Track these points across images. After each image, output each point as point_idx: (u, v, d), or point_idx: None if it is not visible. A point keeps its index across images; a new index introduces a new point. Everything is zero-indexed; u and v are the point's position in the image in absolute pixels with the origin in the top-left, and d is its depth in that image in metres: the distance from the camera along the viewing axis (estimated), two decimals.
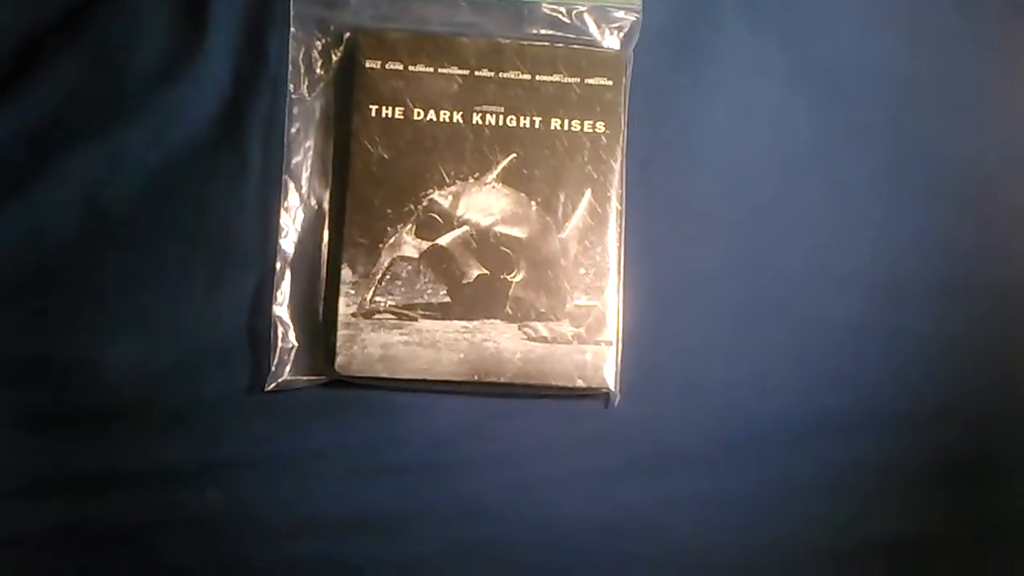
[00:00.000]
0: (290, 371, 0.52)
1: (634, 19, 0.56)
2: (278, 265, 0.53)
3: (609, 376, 0.53)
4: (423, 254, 0.52)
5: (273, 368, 0.52)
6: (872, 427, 0.55)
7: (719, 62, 0.56)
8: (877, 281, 0.56)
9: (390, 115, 0.53)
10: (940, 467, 0.55)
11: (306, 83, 0.54)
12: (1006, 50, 0.59)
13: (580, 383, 0.52)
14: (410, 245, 0.52)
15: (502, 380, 0.52)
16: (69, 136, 0.53)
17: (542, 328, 0.52)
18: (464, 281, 0.53)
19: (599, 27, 0.56)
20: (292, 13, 0.54)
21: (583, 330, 0.53)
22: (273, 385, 0.52)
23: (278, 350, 0.52)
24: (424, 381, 0.52)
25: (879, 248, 0.56)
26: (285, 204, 0.53)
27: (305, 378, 0.52)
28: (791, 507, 0.54)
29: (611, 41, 0.56)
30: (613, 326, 0.53)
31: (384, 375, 0.52)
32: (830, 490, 0.54)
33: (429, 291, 0.52)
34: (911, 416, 0.55)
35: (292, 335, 0.52)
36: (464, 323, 0.52)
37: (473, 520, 0.53)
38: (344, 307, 0.52)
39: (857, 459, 0.55)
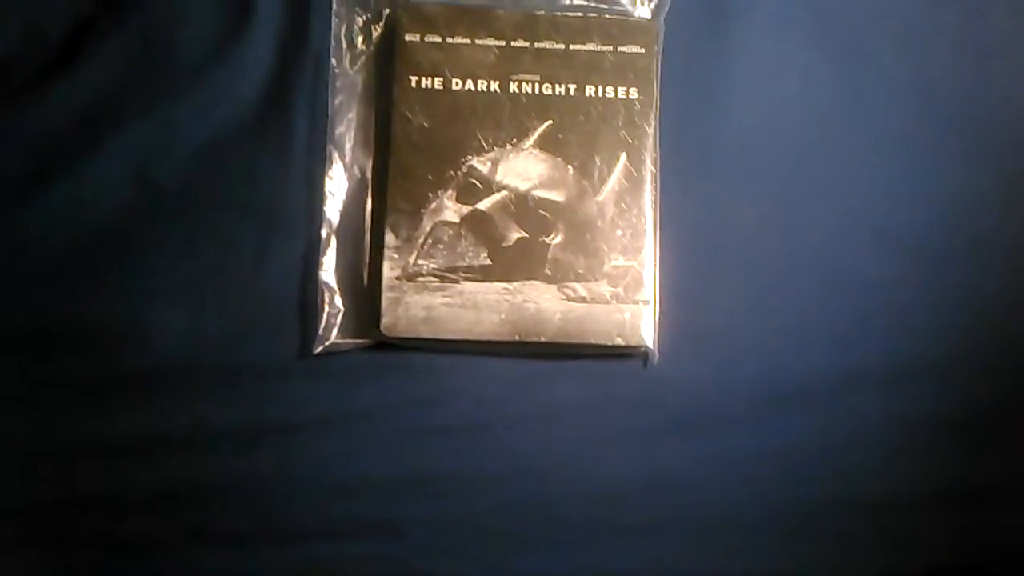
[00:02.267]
0: (337, 334, 0.54)
1: None
2: (324, 232, 0.54)
3: (647, 335, 0.54)
4: (464, 218, 0.54)
5: (320, 332, 0.53)
6: (908, 381, 0.55)
7: (747, 26, 0.58)
8: (911, 236, 0.57)
9: (430, 85, 0.55)
10: (975, 421, 0.56)
11: (348, 57, 0.56)
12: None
13: (619, 341, 0.53)
14: (451, 210, 0.54)
15: (542, 340, 0.53)
16: (120, 112, 0.55)
17: (581, 288, 0.54)
18: (504, 244, 0.54)
19: None
20: None
21: (621, 290, 0.54)
22: (320, 348, 0.53)
23: (325, 314, 0.54)
24: (466, 342, 0.53)
25: (912, 203, 0.57)
26: (330, 173, 0.55)
27: (351, 341, 0.54)
28: (827, 461, 0.55)
29: (642, 11, 0.57)
30: (650, 286, 0.54)
31: (428, 336, 0.53)
32: (866, 444, 0.55)
33: (470, 254, 0.54)
34: (947, 370, 0.56)
35: (338, 299, 0.54)
36: (504, 285, 0.53)
37: (516, 479, 0.54)
38: (388, 271, 0.53)
39: (893, 413, 0.55)
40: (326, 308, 0.54)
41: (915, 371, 0.56)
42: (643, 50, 0.56)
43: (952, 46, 0.59)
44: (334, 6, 0.56)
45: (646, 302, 0.54)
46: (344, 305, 0.54)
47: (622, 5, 0.57)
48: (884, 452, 0.55)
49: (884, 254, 0.56)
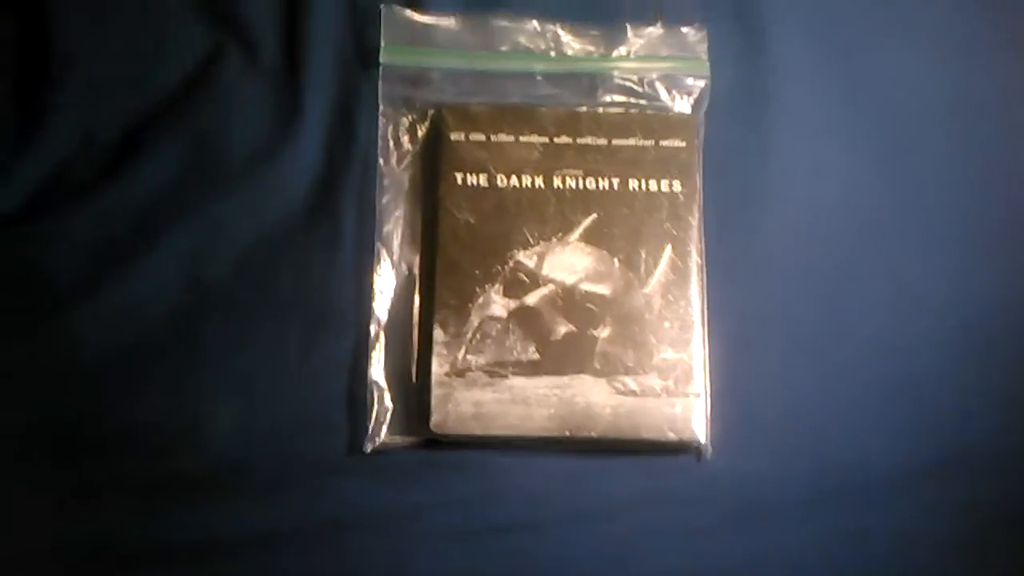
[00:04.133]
0: (387, 432, 0.53)
1: (703, 84, 0.58)
2: (372, 329, 0.54)
3: (699, 428, 0.53)
4: (511, 313, 0.54)
5: (370, 430, 0.53)
6: (968, 472, 0.55)
7: (785, 121, 0.59)
8: (964, 327, 0.56)
9: (475, 183, 0.56)
10: None
11: (395, 156, 0.57)
12: None
13: (671, 436, 0.53)
14: (498, 305, 0.54)
15: (593, 435, 0.53)
16: (171, 213, 0.56)
17: (631, 382, 0.53)
18: (552, 338, 0.54)
19: (670, 93, 0.58)
20: (380, 93, 0.57)
21: (671, 383, 0.53)
22: (371, 447, 0.53)
23: (375, 412, 0.53)
24: (517, 438, 0.53)
25: (962, 294, 0.57)
26: (378, 270, 0.55)
27: (401, 438, 0.53)
28: (891, 555, 0.53)
29: (682, 105, 0.58)
30: (700, 378, 0.54)
31: (478, 433, 0.53)
32: (931, 536, 0.54)
33: (518, 349, 0.54)
34: (1008, 461, 0.55)
35: (388, 397, 0.54)
36: (554, 379, 0.53)
37: None
38: (437, 367, 0.53)
39: (955, 503, 0.54)
40: (376, 406, 0.54)
41: (975, 462, 0.55)
42: (684, 144, 0.57)
43: (990, 139, 0.59)
44: (380, 107, 0.57)
45: (697, 395, 0.53)
46: (394, 402, 0.54)
47: (662, 100, 0.58)
48: (951, 544, 0.54)
49: (936, 345, 0.56)
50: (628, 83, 0.58)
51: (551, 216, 0.55)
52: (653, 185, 0.56)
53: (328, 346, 0.55)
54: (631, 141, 0.57)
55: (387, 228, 0.56)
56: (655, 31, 0.59)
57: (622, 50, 0.58)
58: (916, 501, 0.54)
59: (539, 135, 0.56)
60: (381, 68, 0.57)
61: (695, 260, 0.55)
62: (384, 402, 0.54)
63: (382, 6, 0.58)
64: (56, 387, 0.54)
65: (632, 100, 0.58)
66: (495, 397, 0.53)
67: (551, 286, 0.54)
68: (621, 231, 0.55)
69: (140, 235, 0.56)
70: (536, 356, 0.54)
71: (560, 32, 0.58)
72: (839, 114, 0.59)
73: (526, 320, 0.54)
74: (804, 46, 0.60)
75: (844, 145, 0.59)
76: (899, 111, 0.59)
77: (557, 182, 0.56)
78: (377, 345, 0.54)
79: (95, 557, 0.52)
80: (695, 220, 0.56)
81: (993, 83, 0.60)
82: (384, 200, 0.56)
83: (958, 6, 0.61)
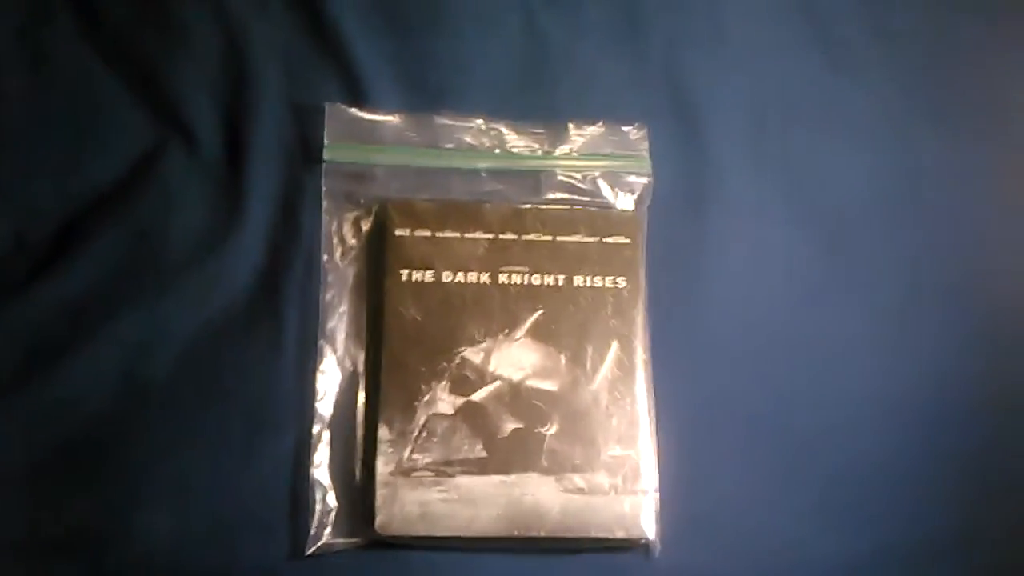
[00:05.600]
0: (330, 534, 0.52)
1: (645, 181, 0.59)
2: (315, 428, 0.53)
3: (648, 526, 0.53)
4: (458, 410, 0.53)
5: (313, 531, 0.52)
6: (925, 558, 0.55)
7: (727, 212, 0.60)
8: (913, 409, 0.57)
9: (421, 279, 0.55)
10: None
11: (339, 251, 0.56)
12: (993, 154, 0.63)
13: (620, 534, 0.52)
14: (445, 402, 0.53)
15: (542, 534, 0.52)
16: (108, 309, 0.54)
17: (579, 480, 0.53)
18: (499, 435, 0.53)
19: (613, 189, 0.59)
20: (324, 188, 0.57)
21: (619, 480, 0.53)
22: (313, 549, 0.51)
23: (317, 513, 0.52)
24: (464, 539, 0.52)
25: (909, 375, 0.58)
26: (321, 368, 0.54)
27: (345, 540, 0.52)
28: None
29: (625, 202, 0.59)
30: (649, 475, 0.53)
31: (424, 534, 0.51)
32: None
33: (465, 446, 0.53)
34: (966, 549, 0.55)
35: (331, 497, 0.52)
36: (501, 477, 0.53)
37: None
38: (382, 466, 0.52)
39: None
40: (318, 506, 0.52)
41: (932, 547, 0.55)
42: (628, 240, 0.57)
43: (930, 226, 0.61)
44: (324, 203, 0.57)
45: (645, 492, 0.53)
46: (337, 503, 0.52)
47: (604, 197, 0.59)
48: None
49: (885, 429, 0.57)
50: (571, 180, 0.59)
51: (497, 312, 0.55)
52: (598, 281, 0.56)
53: (270, 445, 0.53)
54: (576, 238, 0.57)
55: (331, 324, 0.55)
56: (596, 129, 0.60)
57: (565, 148, 0.59)
58: None
59: (484, 231, 0.57)
60: (324, 165, 0.57)
61: (641, 355, 0.55)
62: (327, 502, 0.52)
63: (326, 103, 0.58)
64: None
65: (575, 197, 0.59)
66: (442, 497, 0.52)
67: (498, 383, 0.54)
68: (567, 327, 0.55)
69: (76, 331, 0.54)
70: (483, 453, 0.53)
71: (504, 130, 0.59)
72: (779, 203, 0.61)
73: (473, 417, 0.53)
74: (743, 139, 0.62)
75: (785, 233, 0.60)
76: (837, 197, 0.61)
77: (503, 278, 0.56)
78: (320, 444, 0.53)
79: None
80: (640, 315, 0.56)
81: (929, 166, 0.63)
82: (328, 296, 0.55)
83: (891, 97, 0.64)
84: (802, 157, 0.62)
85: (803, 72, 0.64)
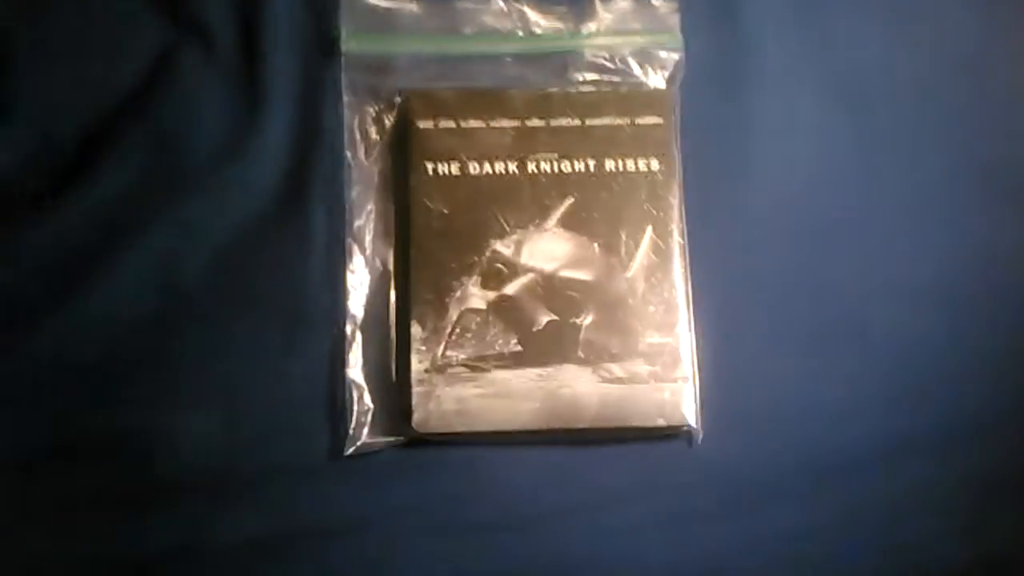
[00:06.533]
0: (368, 433, 0.52)
1: (677, 57, 0.56)
2: (348, 328, 0.53)
3: (689, 413, 0.52)
4: (491, 304, 0.52)
5: (351, 432, 0.52)
6: (962, 441, 0.53)
7: (761, 86, 0.57)
8: (948, 291, 0.55)
9: (447, 171, 0.54)
10: None
11: (363, 148, 0.55)
12: None
13: (660, 422, 0.51)
14: (477, 297, 0.52)
15: (580, 426, 0.51)
16: (136, 216, 0.54)
17: (617, 369, 0.52)
18: (534, 328, 0.52)
19: (643, 68, 0.56)
20: (344, 82, 0.55)
21: (659, 368, 0.52)
22: (352, 449, 0.52)
23: (354, 413, 0.52)
24: (502, 433, 0.51)
25: (947, 256, 0.56)
26: (351, 267, 0.53)
27: (383, 439, 0.52)
28: (885, 532, 0.52)
29: (656, 80, 0.56)
30: (689, 362, 0.52)
31: (461, 430, 0.51)
32: (924, 510, 0.53)
33: (500, 341, 0.52)
34: (1000, 428, 0.54)
35: (367, 397, 0.52)
36: (538, 370, 0.52)
37: (562, 573, 0.52)
38: (417, 364, 0.51)
39: (949, 476, 0.53)
40: (355, 407, 0.52)
41: (966, 435, 0.54)
42: (661, 120, 0.55)
43: (970, 91, 0.58)
44: (345, 98, 0.55)
45: (685, 379, 0.52)
46: (373, 402, 0.52)
47: (635, 76, 0.56)
48: (944, 516, 0.53)
49: (923, 312, 0.55)
50: (600, 60, 0.56)
51: (527, 202, 0.54)
52: (631, 165, 0.54)
53: (304, 347, 0.53)
54: (606, 120, 0.55)
55: (358, 223, 0.54)
56: (625, 5, 0.57)
57: (592, 26, 0.57)
58: (909, 476, 0.53)
59: (510, 119, 0.55)
60: (343, 57, 0.55)
61: (677, 240, 0.54)
62: (364, 402, 0.52)
63: None
64: (28, 401, 0.52)
65: (605, 78, 0.56)
66: (478, 392, 0.51)
67: (530, 275, 0.53)
68: (600, 214, 0.54)
69: (106, 242, 0.53)
70: (518, 348, 0.52)
71: (527, 10, 0.57)
72: (816, 78, 0.58)
73: (506, 311, 0.52)
74: (777, 12, 0.58)
75: (822, 109, 0.57)
76: (877, 75, 0.58)
77: (531, 167, 0.54)
78: (354, 344, 0.53)
79: (73, 570, 0.51)
80: (675, 199, 0.54)
81: (973, 47, 0.59)
82: (354, 194, 0.54)
83: None
84: (841, 30, 0.58)
85: None
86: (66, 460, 0.52)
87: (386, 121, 0.56)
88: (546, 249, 0.53)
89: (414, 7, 0.56)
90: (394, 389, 0.52)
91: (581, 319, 0.52)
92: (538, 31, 0.56)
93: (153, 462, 0.52)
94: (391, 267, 0.54)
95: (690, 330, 0.53)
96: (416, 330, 0.52)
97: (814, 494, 0.53)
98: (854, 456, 0.53)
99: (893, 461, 0.53)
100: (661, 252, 0.53)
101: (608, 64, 0.56)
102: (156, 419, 0.52)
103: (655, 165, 0.54)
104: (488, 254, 0.53)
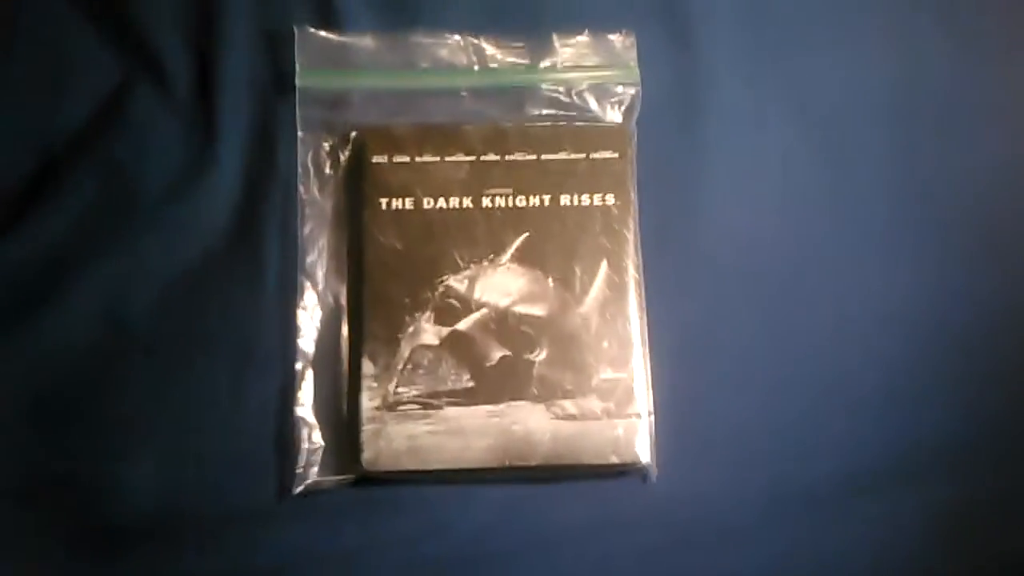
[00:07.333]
0: (318, 472, 0.51)
1: (633, 92, 0.56)
2: (299, 365, 0.52)
3: (643, 450, 0.51)
4: (443, 340, 0.52)
5: (300, 470, 0.51)
6: (922, 477, 0.53)
7: (719, 121, 0.57)
8: (912, 327, 0.55)
9: (401, 206, 0.53)
10: (992, 515, 0.53)
11: (316, 183, 0.55)
12: (1001, 64, 0.59)
13: (614, 459, 0.51)
14: (430, 332, 0.52)
15: (533, 463, 0.51)
16: (85, 253, 0.53)
17: (570, 406, 0.51)
18: (487, 364, 0.52)
19: (600, 103, 0.56)
20: (299, 117, 0.55)
21: (612, 404, 0.51)
22: (301, 488, 0.51)
23: (304, 451, 0.51)
24: (454, 471, 0.51)
25: (911, 291, 0.55)
26: (303, 303, 0.53)
27: (333, 478, 0.51)
28: (842, 568, 0.52)
29: (613, 115, 0.56)
30: (643, 398, 0.52)
31: (412, 468, 0.50)
32: (883, 546, 0.52)
33: (452, 377, 0.51)
34: (963, 465, 0.53)
35: (317, 435, 0.52)
36: (490, 407, 0.51)
37: None
38: (367, 401, 0.51)
39: (908, 512, 0.53)
40: (305, 445, 0.51)
41: (927, 463, 0.53)
42: (617, 155, 0.55)
43: (927, 126, 0.58)
44: (299, 133, 0.55)
45: (639, 415, 0.51)
46: (324, 440, 0.52)
47: (592, 111, 0.56)
48: (900, 555, 0.52)
49: (881, 346, 0.54)
50: (556, 95, 0.56)
51: (481, 237, 0.53)
52: (586, 199, 0.54)
53: (254, 385, 0.52)
54: (561, 155, 0.55)
55: (310, 259, 0.54)
56: (581, 39, 0.57)
57: (548, 61, 0.57)
58: (868, 512, 0.52)
59: (465, 153, 0.54)
60: (298, 92, 0.55)
61: (632, 275, 0.53)
62: (314, 440, 0.51)
63: (295, 27, 0.55)
64: None
65: (561, 112, 0.56)
66: (430, 429, 0.51)
67: (484, 310, 0.52)
68: (554, 249, 0.53)
69: (55, 276, 0.53)
70: (471, 383, 0.51)
71: (484, 45, 0.56)
72: (774, 113, 0.58)
73: (459, 347, 0.52)
74: (735, 45, 0.58)
75: (779, 144, 0.57)
76: (835, 108, 0.58)
77: (486, 201, 0.54)
78: (304, 381, 0.52)
79: None
80: (631, 233, 0.54)
81: (933, 83, 0.59)
82: (306, 229, 0.54)
83: (896, 2, 0.60)
84: (797, 65, 0.58)
85: None
86: (10, 504, 0.51)
87: (340, 156, 0.55)
88: (500, 284, 0.53)
89: (369, 42, 0.56)
90: (344, 427, 0.52)
91: (535, 355, 0.52)
92: (495, 66, 0.56)
93: (100, 505, 0.51)
94: (343, 303, 0.53)
95: (645, 366, 0.52)
96: (368, 367, 0.51)
97: (770, 531, 0.52)
98: (811, 493, 0.52)
99: (851, 497, 0.52)
100: (616, 287, 0.53)
101: (564, 99, 0.56)
102: (100, 461, 0.51)
103: (611, 200, 0.54)
104: (441, 289, 0.52)
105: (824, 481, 0.52)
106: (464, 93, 0.56)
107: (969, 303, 0.55)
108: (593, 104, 0.56)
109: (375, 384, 0.51)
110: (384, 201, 0.54)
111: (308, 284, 0.53)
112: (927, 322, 0.55)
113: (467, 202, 0.54)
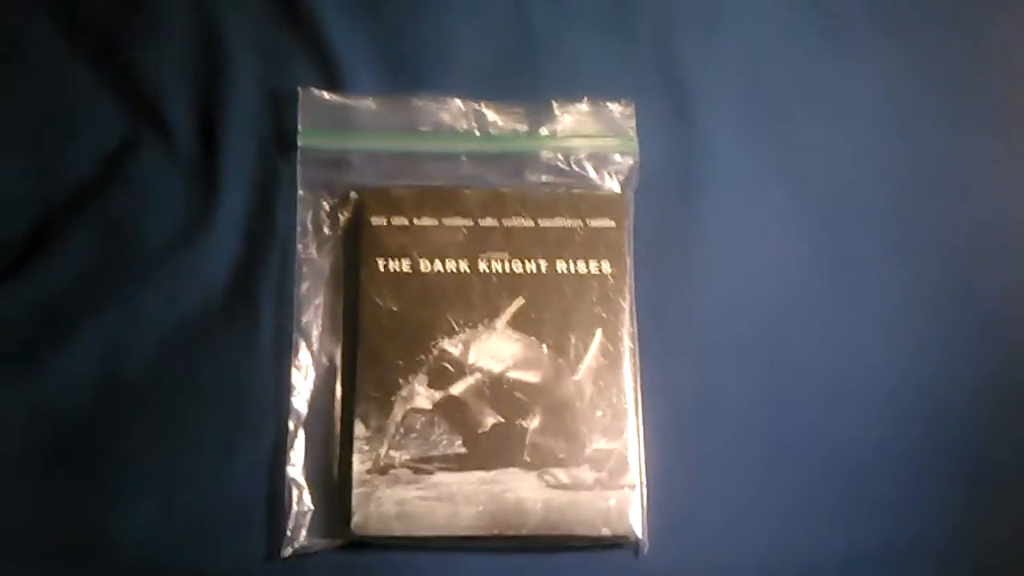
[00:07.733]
0: (306, 535, 0.50)
1: (632, 161, 0.57)
2: (291, 424, 0.52)
3: (635, 522, 0.51)
4: (436, 405, 0.52)
5: (289, 533, 0.50)
6: (915, 555, 0.53)
7: (718, 195, 0.57)
8: (904, 403, 0.55)
9: (398, 268, 0.54)
10: None
11: (315, 243, 0.55)
12: (1000, 134, 0.60)
13: (605, 531, 0.50)
14: (423, 396, 0.52)
15: (524, 532, 0.50)
16: (84, 306, 0.53)
17: (562, 475, 0.51)
18: (479, 430, 0.52)
19: (598, 171, 0.57)
20: (300, 177, 0.55)
21: (605, 474, 0.51)
22: (289, 551, 0.50)
23: (293, 513, 0.51)
24: (444, 537, 0.50)
25: (906, 366, 0.55)
26: (296, 363, 0.53)
27: (322, 541, 0.51)
28: None
29: (611, 183, 0.57)
30: (636, 469, 0.51)
31: (402, 534, 0.50)
32: None
33: (444, 442, 0.51)
34: (957, 543, 0.53)
35: (307, 497, 0.51)
36: (482, 474, 0.51)
37: None
38: (359, 464, 0.51)
39: None
40: (294, 507, 0.51)
41: (924, 546, 0.53)
42: (613, 223, 0.55)
43: (926, 203, 0.58)
44: (300, 192, 0.55)
45: (632, 486, 0.51)
46: (314, 503, 0.51)
47: (590, 179, 0.57)
48: None
49: (878, 424, 0.54)
50: (555, 162, 0.57)
51: (477, 301, 0.53)
52: (582, 267, 0.54)
53: (246, 443, 0.52)
54: (559, 222, 0.55)
55: (306, 318, 0.53)
56: (582, 108, 0.57)
57: (548, 128, 0.57)
58: None
59: (463, 217, 0.55)
60: (299, 152, 0.55)
61: (627, 344, 0.53)
62: (304, 503, 0.51)
63: (299, 88, 0.56)
64: None
65: (559, 179, 0.57)
66: (420, 495, 0.50)
67: (478, 375, 0.52)
68: (549, 315, 0.53)
69: (52, 329, 0.53)
70: (463, 450, 0.51)
71: (484, 110, 0.57)
72: (772, 186, 0.58)
73: (452, 412, 0.52)
74: (734, 118, 0.59)
75: (778, 217, 0.58)
76: (833, 181, 0.58)
77: (483, 266, 0.54)
78: (296, 441, 0.52)
79: None
80: (626, 302, 0.54)
81: (931, 150, 0.59)
82: (303, 289, 0.54)
83: (894, 78, 0.61)
84: (796, 138, 0.59)
85: (799, 50, 0.61)
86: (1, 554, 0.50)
87: (340, 216, 0.55)
88: (494, 349, 0.53)
89: (371, 104, 0.56)
90: (334, 489, 0.51)
91: (528, 422, 0.52)
92: (495, 131, 0.57)
93: (88, 558, 0.50)
94: (338, 363, 0.53)
95: (639, 436, 0.52)
96: (359, 429, 0.51)
97: None
98: (805, 567, 0.52)
99: (846, 574, 0.52)
100: (611, 356, 0.53)
101: (563, 166, 0.57)
102: (90, 514, 0.51)
103: (607, 268, 0.54)
104: (436, 353, 0.52)
105: (818, 557, 0.52)
106: (464, 157, 0.56)
107: (970, 376, 0.55)
108: (591, 172, 0.57)
109: (367, 447, 0.51)
110: (381, 262, 0.54)
111: (303, 343, 0.53)
112: (925, 396, 0.55)
113: (464, 266, 0.54)
